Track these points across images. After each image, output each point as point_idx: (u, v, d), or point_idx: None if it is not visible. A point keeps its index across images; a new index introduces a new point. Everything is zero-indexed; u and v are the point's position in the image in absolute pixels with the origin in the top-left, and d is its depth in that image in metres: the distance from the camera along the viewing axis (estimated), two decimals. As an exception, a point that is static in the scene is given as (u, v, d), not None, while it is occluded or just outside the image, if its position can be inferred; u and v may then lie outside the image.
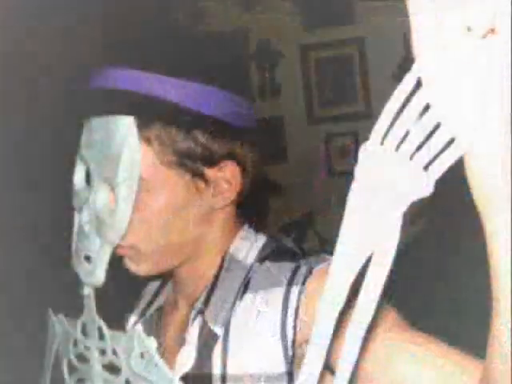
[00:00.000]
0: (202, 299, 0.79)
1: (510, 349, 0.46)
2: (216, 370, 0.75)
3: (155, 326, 0.87)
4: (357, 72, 2.75)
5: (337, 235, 0.45)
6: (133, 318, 0.89)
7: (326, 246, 2.44)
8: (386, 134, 0.43)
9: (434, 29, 0.40)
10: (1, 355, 1.54)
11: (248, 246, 0.82)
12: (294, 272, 0.75)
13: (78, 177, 0.81)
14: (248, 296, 0.77)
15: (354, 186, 0.45)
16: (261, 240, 0.83)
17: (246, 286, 0.78)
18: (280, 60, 2.82)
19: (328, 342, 0.46)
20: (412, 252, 1.48)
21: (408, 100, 0.42)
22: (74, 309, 0.80)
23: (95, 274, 0.76)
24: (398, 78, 0.42)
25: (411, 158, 0.42)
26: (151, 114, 0.74)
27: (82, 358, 0.80)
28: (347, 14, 2.71)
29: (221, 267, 0.81)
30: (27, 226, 1.89)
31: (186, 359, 0.77)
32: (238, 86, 0.79)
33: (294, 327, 0.72)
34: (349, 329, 0.45)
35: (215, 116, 0.75)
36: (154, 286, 0.92)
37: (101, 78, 0.76)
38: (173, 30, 0.90)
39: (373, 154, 0.43)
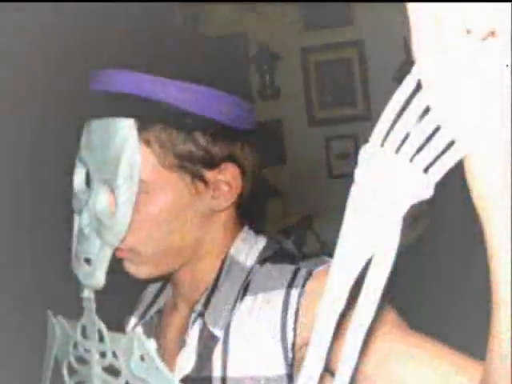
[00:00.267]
0: (202, 301, 0.79)
1: (509, 350, 0.46)
2: (216, 373, 0.75)
3: (155, 329, 0.87)
4: (357, 74, 2.75)
5: (337, 238, 0.45)
6: (133, 321, 0.89)
7: (326, 248, 2.44)
8: (385, 137, 0.43)
9: (433, 31, 0.40)
10: (1, 356, 1.54)
11: (248, 248, 0.82)
12: (294, 274, 0.75)
13: (78, 179, 0.81)
14: (248, 298, 0.77)
15: (354, 188, 0.45)
16: (261, 242, 0.83)
17: (246, 289, 0.78)
18: (280, 63, 2.83)
19: (328, 344, 0.46)
20: (412, 254, 1.48)
21: (408, 102, 0.42)
22: (73, 311, 0.80)
23: (95, 276, 0.75)
24: (397, 81, 0.42)
25: (411, 161, 0.42)
26: (151, 116, 0.74)
27: (82, 361, 0.80)
28: (347, 17, 2.72)
29: (221, 269, 0.80)
30: (27, 227, 1.89)
31: (186, 362, 0.77)
32: (238, 89, 0.79)
33: (294, 329, 0.72)
34: (349, 331, 0.45)
35: (215, 118, 0.75)
36: (154, 288, 0.91)
37: (101, 80, 0.76)
38: (173, 33, 0.90)
39: (373, 157, 0.43)
